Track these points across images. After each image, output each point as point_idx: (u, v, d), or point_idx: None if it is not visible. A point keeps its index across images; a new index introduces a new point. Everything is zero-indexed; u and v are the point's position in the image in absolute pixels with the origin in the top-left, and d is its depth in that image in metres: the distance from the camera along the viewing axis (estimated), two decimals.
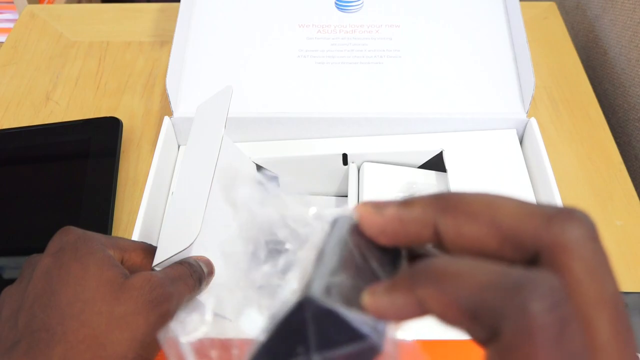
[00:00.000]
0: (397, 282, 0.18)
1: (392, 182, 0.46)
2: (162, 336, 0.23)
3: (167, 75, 0.47)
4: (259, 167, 0.47)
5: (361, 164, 0.47)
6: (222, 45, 0.51)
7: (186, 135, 0.49)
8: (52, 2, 0.99)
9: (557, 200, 0.41)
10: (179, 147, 0.49)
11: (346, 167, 0.48)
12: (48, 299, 0.28)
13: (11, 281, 0.44)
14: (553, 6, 0.68)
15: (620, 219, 0.49)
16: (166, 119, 0.47)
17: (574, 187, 0.51)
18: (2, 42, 0.67)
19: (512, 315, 0.15)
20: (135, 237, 0.39)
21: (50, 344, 0.26)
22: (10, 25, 0.98)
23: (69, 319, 0.27)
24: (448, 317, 0.17)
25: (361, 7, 0.53)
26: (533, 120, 0.47)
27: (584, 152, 0.54)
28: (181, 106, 0.48)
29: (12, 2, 0.95)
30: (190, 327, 0.24)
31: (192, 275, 0.32)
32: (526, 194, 0.44)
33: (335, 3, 0.54)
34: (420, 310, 0.18)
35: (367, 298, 0.18)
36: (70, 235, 0.30)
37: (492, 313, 0.16)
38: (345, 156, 0.47)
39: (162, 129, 0.46)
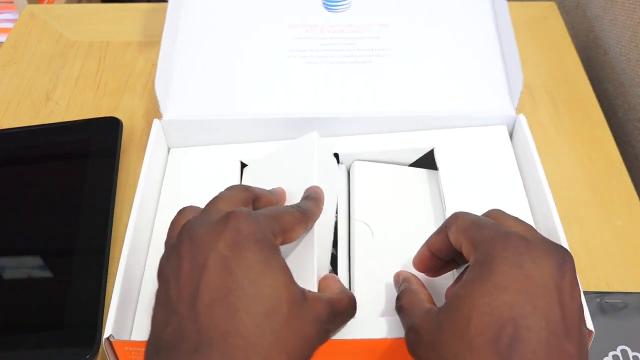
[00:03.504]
0: (438, 229, 0.34)
1: (383, 181, 0.46)
2: None
3: (156, 78, 0.47)
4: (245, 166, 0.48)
5: (351, 163, 0.47)
6: (210, 47, 0.51)
7: (176, 138, 0.48)
8: (52, 2, 0.99)
9: (547, 194, 0.41)
10: (168, 149, 0.49)
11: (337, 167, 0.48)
12: (235, 299, 0.26)
13: (11, 281, 0.45)
14: (553, 6, 0.68)
15: (620, 219, 0.49)
16: (156, 121, 0.47)
17: (574, 187, 0.51)
18: (2, 42, 0.67)
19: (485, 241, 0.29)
20: (126, 244, 0.39)
21: (248, 355, 0.25)
22: (10, 25, 0.98)
23: (259, 328, 0.26)
24: (455, 241, 0.32)
25: (349, 6, 0.53)
26: (522, 117, 0.47)
27: (584, 152, 0.54)
28: (170, 108, 0.48)
29: (12, 2, 0.95)
30: None
31: (353, 311, 0.33)
32: (516, 189, 0.44)
33: (323, 3, 0.54)
34: (447, 241, 0.33)
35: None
36: (243, 226, 0.29)
37: (476, 238, 0.30)
38: (336, 156, 0.47)
39: (152, 132, 0.46)
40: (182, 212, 0.33)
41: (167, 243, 0.32)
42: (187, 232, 0.29)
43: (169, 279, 0.28)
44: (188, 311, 0.27)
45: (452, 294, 0.29)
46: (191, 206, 0.34)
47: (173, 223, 0.33)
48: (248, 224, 0.29)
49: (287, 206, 0.35)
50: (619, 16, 0.61)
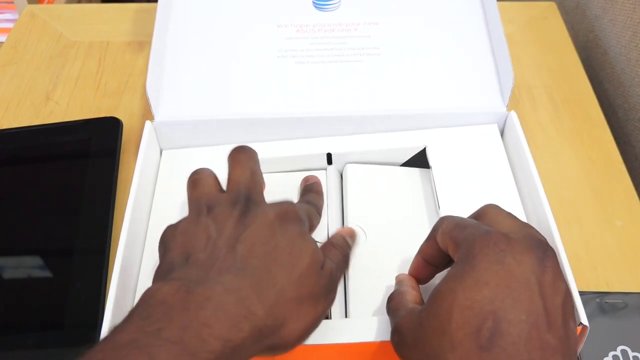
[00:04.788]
0: (428, 235, 0.35)
1: (375, 182, 0.46)
2: None
3: (147, 80, 0.47)
4: None
5: (344, 166, 0.47)
6: (200, 48, 0.51)
7: (168, 140, 0.48)
8: (52, 2, 0.99)
9: (539, 189, 0.41)
10: (161, 151, 0.49)
11: (328, 168, 0.48)
12: (272, 249, 0.31)
13: (11, 281, 0.45)
14: (553, 6, 0.68)
15: (620, 219, 0.49)
16: (147, 123, 0.47)
17: (574, 187, 0.51)
18: (2, 42, 0.67)
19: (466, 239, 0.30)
20: (120, 247, 0.39)
21: (271, 288, 0.29)
22: (10, 25, 0.98)
23: (288, 279, 0.30)
24: (442, 244, 0.32)
25: (339, 5, 0.53)
26: (513, 114, 0.47)
27: (584, 152, 0.54)
28: (162, 110, 0.48)
29: (12, 2, 0.95)
30: None
31: (347, 262, 0.37)
32: (509, 186, 0.44)
33: (313, 2, 0.54)
34: (437, 246, 0.33)
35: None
36: (291, 207, 0.34)
37: (459, 238, 0.31)
38: (329, 155, 0.47)
39: (144, 134, 0.45)
40: (198, 178, 0.37)
41: (197, 203, 0.35)
42: (245, 202, 0.34)
43: (208, 228, 0.32)
44: (228, 246, 0.31)
45: (433, 291, 0.30)
46: (207, 171, 0.38)
47: (194, 186, 0.37)
48: (295, 212, 0.34)
49: (309, 205, 0.39)
50: (619, 16, 0.61)
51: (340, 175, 0.47)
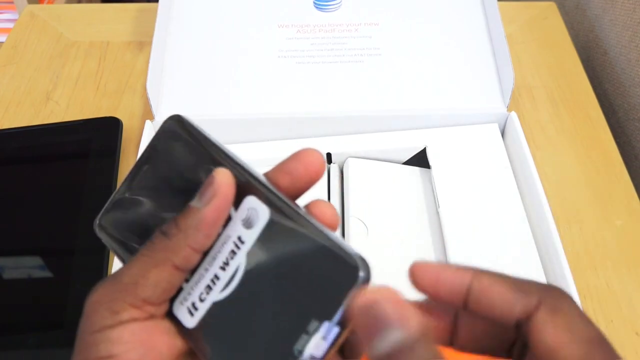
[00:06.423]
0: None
1: (376, 178, 0.46)
2: None
3: (148, 79, 0.47)
4: None
5: (345, 160, 0.47)
6: (202, 48, 0.51)
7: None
8: (52, 2, 0.99)
9: (539, 189, 0.41)
10: None
11: (329, 166, 0.48)
12: None
13: (11, 281, 0.45)
14: (553, 6, 0.68)
15: (620, 219, 0.49)
16: (148, 123, 0.47)
17: (574, 186, 0.51)
18: (2, 42, 0.67)
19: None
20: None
21: None
22: (10, 25, 0.98)
23: None
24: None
25: (339, 6, 0.54)
26: (513, 114, 0.47)
27: (584, 152, 0.54)
28: (162, 109, 0.48)
29: (12, 2, 0.95)
30: None
31: None
32: (509, 186, 0.45)
33: (314, 3, 0.54)
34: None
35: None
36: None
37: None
38: (329, 155, 0.47)
39: (144, 134, 0.46)
40: None
41: None
42: None
43: None
44: None
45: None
46: None
47: None
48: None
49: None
50: (619, 16, 0.61)
51: (341, 172, 0.48)
